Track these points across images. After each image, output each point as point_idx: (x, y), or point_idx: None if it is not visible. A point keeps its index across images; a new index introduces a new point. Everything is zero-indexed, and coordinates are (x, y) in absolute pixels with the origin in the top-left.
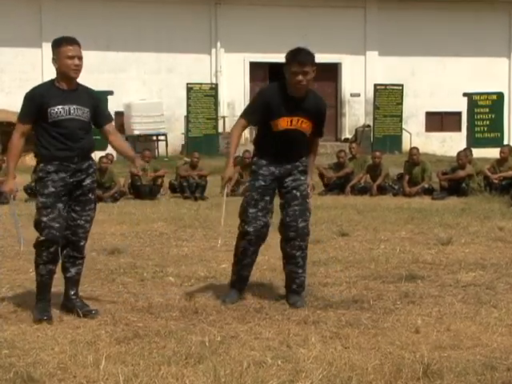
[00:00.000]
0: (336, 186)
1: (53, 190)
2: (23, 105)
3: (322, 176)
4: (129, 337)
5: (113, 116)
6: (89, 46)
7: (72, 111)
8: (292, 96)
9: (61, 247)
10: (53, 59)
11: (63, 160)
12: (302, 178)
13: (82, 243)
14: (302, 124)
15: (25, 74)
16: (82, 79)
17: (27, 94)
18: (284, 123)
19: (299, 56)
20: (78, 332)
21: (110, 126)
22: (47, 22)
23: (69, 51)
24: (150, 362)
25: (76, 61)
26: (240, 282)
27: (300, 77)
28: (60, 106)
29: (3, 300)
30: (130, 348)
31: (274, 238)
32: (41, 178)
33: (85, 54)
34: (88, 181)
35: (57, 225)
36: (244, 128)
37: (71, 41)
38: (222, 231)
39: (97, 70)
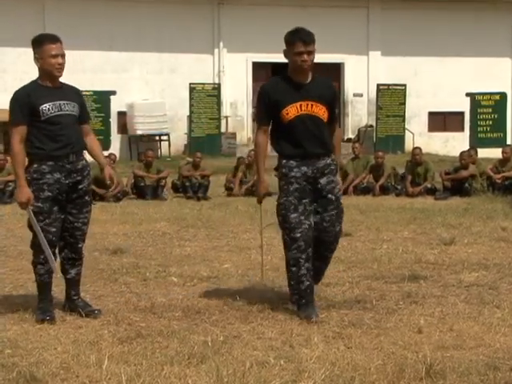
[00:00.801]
0: None
1: (49, 194)
2: (13, 108)
3: None
4: (131, 337)
5: (116, 116)
6: (92, 46)
7: (63, 106)
8: (296, 82)
9: (59, 249)
10: (35, 58)
11: (58, 159)
12: (335, 179)
13: (79, 245)
14: (314, 108)
15: (27, 74)
16: (85, 79)
17: (14, 97)
18: (293, 110)
19: (302, 35)
20: (80, 332)
21: (88, 127)
22: (50, 22)
23: (52, 50)
24: (153, 361)
25: (59, 59)
26: (305, 295)
27: (305, 56)
28: (50, 103)
29: (6, 299)
30: (133, 348)
31: (275, 238)
32: (35, 180)
33: (88, 53)
34: (84, 183)
35: (53, 229)
36: (266, 132)
37: (54, 39)
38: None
39: (100, 69)
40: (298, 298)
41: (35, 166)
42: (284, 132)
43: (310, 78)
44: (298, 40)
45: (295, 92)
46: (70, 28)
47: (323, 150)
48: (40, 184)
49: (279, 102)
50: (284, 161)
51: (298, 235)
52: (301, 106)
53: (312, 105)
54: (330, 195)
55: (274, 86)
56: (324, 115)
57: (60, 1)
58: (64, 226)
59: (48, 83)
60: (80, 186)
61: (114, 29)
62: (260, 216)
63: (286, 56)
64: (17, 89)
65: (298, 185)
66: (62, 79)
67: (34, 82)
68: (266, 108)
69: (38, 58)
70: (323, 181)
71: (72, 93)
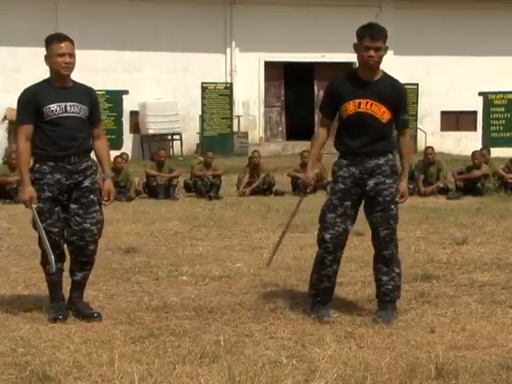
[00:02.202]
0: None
1: (49, 194)
2: (19, 107)
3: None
4: (143, 336)
5: (128, 115)
6: (105, 45)
7: (68, 108)
8: (362, 78)
9: (69, 252)
10: (45, 57)
11: (59, 160)
12: (388, 181)
13: (90, 247)
14: (373, 107)
15: (40, 74)
16: (98, 78)
17: (20, 96)
18: (352, 106)
19: (371, 30)
20: (92, 331)
21: (98, 130)
22: (63, 22)
23: (59, 49)
24: (165, 361)
25: (67, 58)
26: (322, 294)
27: (371, 52)
28: (55, 104)
29: (19, 298)
30: (145, 347)
31: (286, 237)
32: (36, 180)
33: (100, 53)
34: (86, 182)
35: (56, 229)
36: (327, 124)
37: (62, 38)
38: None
39: (112, 69)
40: (315, 295)
41: (37, 166)
42: (341, 128)
43: (377, 76)
44: (367, 34)
45: (358, 89)
46: (82, 28)
47: (375, 149)
48: (41, 184)
49: (341, 97)
50: (337, 158)
51: (328, 236)
52: (360, 103)
53: (372, 104)
54: (378, 197)
55: (340, 80)
56: (383, 116)
57: (73, 1)
58: (72, 229)
59: (57, 83)
60: (82, 186)
61: (126, 29)
62: (296, 206)
63: (355, 50)
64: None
65: (343, 185)
66: (74, 79)
67: (43, 82)
68: (329, 100)
69: (47, 57)
70: (371, 182)
71: (82, 93)
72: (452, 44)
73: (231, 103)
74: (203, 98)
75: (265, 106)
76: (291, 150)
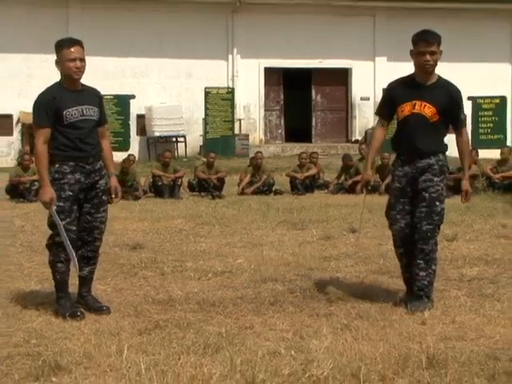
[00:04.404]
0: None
1: (70, 193)
2: (38, 110)
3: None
4: (150, 328)
5: (135, 118)
6: (113, 52)
7: (85, 111)
8: (418, 82)
9: (76, 248)
10: (56, 62)
11: (79, 160)
12: (436, 179)
13: (97, 243)
14: (425, 108)
15: (51, 79)
16: (106, 84)
17: (39, 99)
18: (407, 108)
19: (426, 36)
20: (101, 323)
21: (104, 129)
22: (74, 30)
23: (70, 54)
24: (170, 351)
25: (78, 63)
26: (406, 283)
27: (427, 56)
28: (74, 108)
29: (32, 292)
30: (151, 338)
31: (285, 234)
32: (56, 180)
33: (109, 59)
34: (101, 182)
35: (74, 228)
36: (384, 126)
37: (73, 42)
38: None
39: (120, 75)
40: (407, 288)
41: (57, 166)
42: (398, 130)
43: (433, 80)
44: (422, 40)
45: (414, 92)
46: (92, 35)
47: (427, 150)
48: (61, 184)
49: (397, 99)
50: (395, 158)
51: (393, 231)
52: (415, 105)
53: (425, 105)
54: (423, 193)
55: (396, 83)
56: (434, 117)
57: (83, 10)
58: (82, 225)
59: (70, 86)
60: (97, 186)
61: (133, 37)
62: (363, 204)
63: (411, 55)
64: (41, 91)
65: (399, 184)
66: (85, 83)
67: (58, 85)
68: (385, 102)
69: (58, 62)
70: (422, 178)
71: (92, 96)
72: (443, 51)
73: (233, 107)
74: (206, 102)
75: (265, 110)
76: (289, 151)
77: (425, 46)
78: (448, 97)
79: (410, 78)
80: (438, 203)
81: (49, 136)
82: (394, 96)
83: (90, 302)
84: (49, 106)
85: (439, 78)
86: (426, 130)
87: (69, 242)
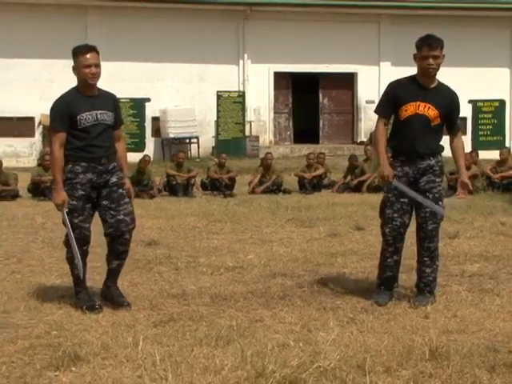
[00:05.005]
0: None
1: (82, 192)
2: (54, 115)
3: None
4: (164, 320)
5: (150, 121)
6: (130, 57)
7: (99, 116)
8: (421, 84)
9: (107, 243)
10: (72, 68)
11: (91, 161)
12: (437, 180)
13: (125, 237)
14: (429, 110)
15: (73, 84)
16: (123, 87)
17: (55, 105)
18: (412, 108)
19: (429, 40)
20: (118, 315)
21: (119, 132)
22: (92, 36)
23: (85, 60)
24: (184, 343)
25: (93, 69)
26: (385, 283)
27: (430, 60)
28: (88, 113)
29: (52, 286)
30: (166, 331)
31: (293, 231)
32: (69, 179)
33: (125, 64)
34: (114, 179)
35: (87, 225)
36: (384, 124)
37: (88, 49)
38: None
39: (136, 79)
40: (379, 283)
41: (69, 166)
42: (397, 129)
43: (434, 84)
44: (425, 44)
45: (417, 92)
46: (109, 41)
47: (427, 151)
48: (74, 183)
49: (401, 98)
50: (392, 159)
51: (387, 230)
52: (419, 106)
53: (429, 107)
54: (427, 194)
55: (399, 83)
56: (436, 119)
57: (101, 17)
58: (108, 222)
59: (85, 92)
60: (110, 182)
61: (149, 42)
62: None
63: (414, 59)
64: (58, 96)
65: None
66: (103, 88)
67: (74, 90)
68: (387, 101)
69: (75, 68)
70: (423, 179)
71: (108, 100)
72: (445, 56)
73: (244, 110)
74: (218, 105)
75: (274, 113)
76: (298, 152)
77: (428, 50)
78: (450, 101)
79: (413, 80)
80: (440, 203)
81: (64, 140)
82: (397, 95)
83: (114, 294)
84: (64, 111)
85: (439, 81)
86: (428, 131)
87: (75, 243)
